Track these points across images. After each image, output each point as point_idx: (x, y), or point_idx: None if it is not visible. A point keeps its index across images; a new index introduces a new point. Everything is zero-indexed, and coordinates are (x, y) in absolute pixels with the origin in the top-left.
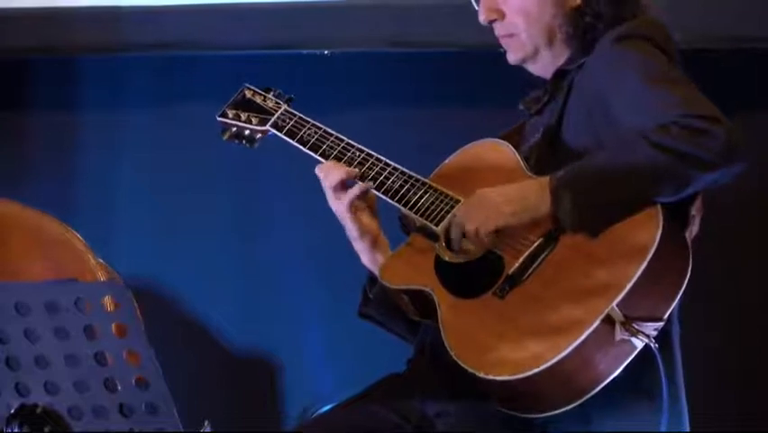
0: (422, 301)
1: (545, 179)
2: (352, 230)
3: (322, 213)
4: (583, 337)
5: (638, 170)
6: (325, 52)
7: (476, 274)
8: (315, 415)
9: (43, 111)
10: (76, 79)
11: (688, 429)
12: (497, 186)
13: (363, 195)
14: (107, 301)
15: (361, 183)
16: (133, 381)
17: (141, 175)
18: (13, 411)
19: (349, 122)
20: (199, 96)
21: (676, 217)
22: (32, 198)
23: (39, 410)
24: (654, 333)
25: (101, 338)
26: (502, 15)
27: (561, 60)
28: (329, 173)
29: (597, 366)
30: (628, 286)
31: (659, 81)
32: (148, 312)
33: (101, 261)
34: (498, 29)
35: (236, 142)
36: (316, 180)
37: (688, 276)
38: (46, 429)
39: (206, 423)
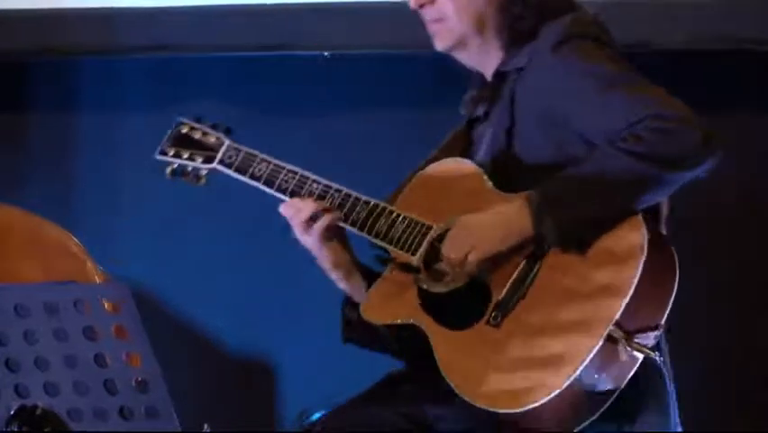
0: (410, 333)
1: (522, 200)
2: (324, 262)
3: None
4: (587, 361)
5: (618, 181)
6: (325, 54)
7: (462, 302)
8: (313, 419)
9: (42, 113)
10: (74, 81)
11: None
12: (467, 206)
13: (331, 227)
14: (107, 303)
15: (328, 215)
16: (133, 383)
17: (140, 177)
18: (12, 412)
19: (348, 124)
20: (198, 98)
21: (652, 215)
22: (30, 200)
23: (38, 412)
24: (655, 342)
25: (101, 340)
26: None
27: (492, 54)
28: (300, 210)
29: (602, 387)
30: (623, 303)
31: (615, 86)
32: (147, 314)
33: (100, 268)
34: (427, 13)
35: (181, 179)
36: None
37: (677, 278)
38: (45, 431)
39: (206, 426)
